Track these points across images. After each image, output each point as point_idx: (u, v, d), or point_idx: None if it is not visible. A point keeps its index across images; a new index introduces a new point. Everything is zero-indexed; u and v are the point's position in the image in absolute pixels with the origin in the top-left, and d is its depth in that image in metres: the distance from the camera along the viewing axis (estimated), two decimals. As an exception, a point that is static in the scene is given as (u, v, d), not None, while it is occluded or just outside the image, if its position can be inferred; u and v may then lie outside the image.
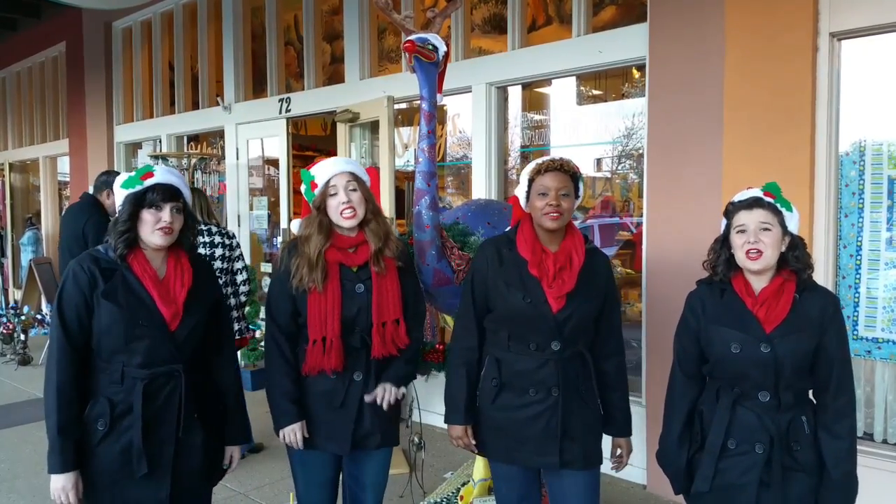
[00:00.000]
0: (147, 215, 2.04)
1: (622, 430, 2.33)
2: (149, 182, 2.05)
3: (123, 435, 2.00)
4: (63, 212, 5.20)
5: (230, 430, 2.26)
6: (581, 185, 2.23)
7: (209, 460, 2.19)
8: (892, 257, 3.19)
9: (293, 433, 2.25)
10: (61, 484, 1.97)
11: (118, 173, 4.77)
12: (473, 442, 2.27)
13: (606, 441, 2.31)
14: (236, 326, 4.04)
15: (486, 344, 2.28)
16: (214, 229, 4.01)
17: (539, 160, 2.22)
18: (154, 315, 2.02)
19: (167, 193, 2.06)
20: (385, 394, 2.28)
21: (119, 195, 2.09)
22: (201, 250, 3.82)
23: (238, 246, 4.18)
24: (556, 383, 2.16)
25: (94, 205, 4.53)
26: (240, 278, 4.15)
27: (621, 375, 2.31)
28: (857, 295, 3.25)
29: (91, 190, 4.65)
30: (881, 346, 3.22)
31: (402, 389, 2.35)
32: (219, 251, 4.00)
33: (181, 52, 7.38)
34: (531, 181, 2.21)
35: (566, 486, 2.25)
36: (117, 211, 2.10)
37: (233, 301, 4.11)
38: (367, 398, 2.28)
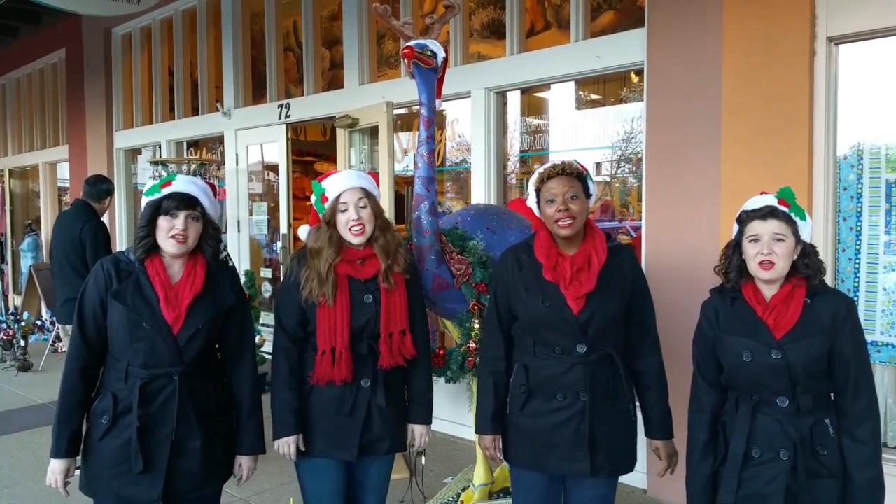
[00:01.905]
0: (162, 222, 2.13)
1: (658, 431, 2.28)
2: (167, 191, 2.14)
3: (124, 431, 2.08)
4: (56, 219, 5.24)
5: (240, 440, 2.28)
6: (591, 184, 2.21)
7: (210, 464, 2.19)
8: (891, 261, 3.20)
9: (287, 445, 2.26)
10: (52, 468, 2.13)
11: (106, 178, 4.83)
12: (500, 455, 2.27)
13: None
14: None
15: (514, 351, 2.26)
16: None
17: (542, 168, 2.21)
18: (157, 317, 2.08)
19: (183, 202, 2.13)
20: (420, 441, 2.43)
21: (143, 203, 2.19)
22: None
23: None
24: (584, 387, 2.12)
25: (87, 210, 4.55)
26: None
27: (658, 375, 2.26)
28: (855, 298, 3.25)
29: (81, 194, 4.68)
30: (880, 350, 3.22)
31: (429, 427, 2.46)
32: None
33: (181, 58, 7.39)
34: (538, 190, 2.20)
35: (585, 490, 2.23)
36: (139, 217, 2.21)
37: None
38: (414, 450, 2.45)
